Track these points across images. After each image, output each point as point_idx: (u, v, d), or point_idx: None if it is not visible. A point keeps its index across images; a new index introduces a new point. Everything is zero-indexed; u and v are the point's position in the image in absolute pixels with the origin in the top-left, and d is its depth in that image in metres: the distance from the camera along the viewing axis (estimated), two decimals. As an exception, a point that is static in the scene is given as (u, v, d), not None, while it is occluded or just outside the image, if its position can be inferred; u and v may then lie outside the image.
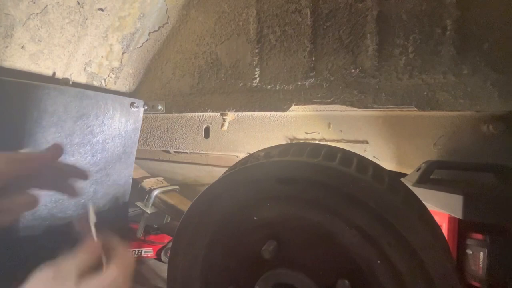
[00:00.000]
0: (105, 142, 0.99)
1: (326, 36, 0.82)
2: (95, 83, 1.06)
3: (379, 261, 0.43)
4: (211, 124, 1.11)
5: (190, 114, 1.12)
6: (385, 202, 0.42)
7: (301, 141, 0.96)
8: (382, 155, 0.84)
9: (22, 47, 0.84)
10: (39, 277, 0.37)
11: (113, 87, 1.11)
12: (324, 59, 0.83)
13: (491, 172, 0.67)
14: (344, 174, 0.45)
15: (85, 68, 0.99)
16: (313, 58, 0.84)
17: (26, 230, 0.85)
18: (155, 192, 1.19)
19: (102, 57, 1.01)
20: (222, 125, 1.02)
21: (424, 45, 0.71)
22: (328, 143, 0.84)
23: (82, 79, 1.01)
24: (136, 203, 1.20)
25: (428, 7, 0.70)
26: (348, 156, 0.51)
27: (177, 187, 1.29)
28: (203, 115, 1.11)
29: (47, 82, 0.87)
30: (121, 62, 1.07)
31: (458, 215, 0.55)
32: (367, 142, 0.86)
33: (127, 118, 1.05)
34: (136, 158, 1.11)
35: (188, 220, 0.56)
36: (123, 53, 1.05)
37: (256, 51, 0.92)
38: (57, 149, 0.45)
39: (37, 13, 0.81)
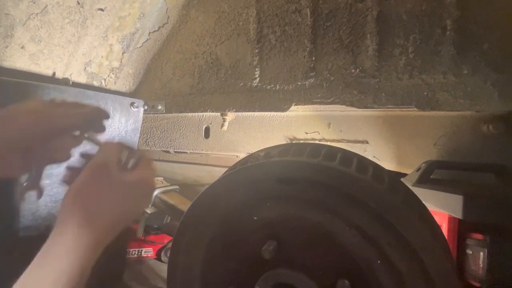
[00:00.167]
0: (105, 142, 0.99)
1: (326, 36, 0.82)
2: (95, 83, 1.06)
3: (379, 261, 0.43)
4: (211, 124, 1.10)
5: (190, 114, 1.12)
6: (385, 202, 0.42)
7: (301, 141, 0.96)
8: (382, 155, 0.84)
9: (22, 47, 0.84)
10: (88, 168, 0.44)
11: (113, 87, 1.11)
12: (324, 59, 0.83)
13: (491, 172, 0.67)
14: (344, 174, 0.45)
15: (85, 68, 0.99)
16: (313, 58, 0.84)
17: (26, 230, 0.85)
18: (155, 192, 1.19)
19: (102, 57, 1.01)
20: (222, 125, 1.02)
21: (424, 45, 0.71)
22: (328, 143, 0.84)
23: (82, 79, 1.01)
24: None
25: (428, 7, 0.70)
26: (348, 156, 0.51)
27: (177, 187, 1.29)
28: (203, 115, 1.11)
29: (47, 82, 0.87)
30: (121, 62, 1.07)
31: (458, 215, 0.55)
32: (367, 142, 0.86)
33: (127, 118, 1.05)
34: (136, 158, 1.11)
35: (188, 220, 0.56)
36: (123, 53, 1.05)
37: (256, 51, 0.92)
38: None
39: (37, 13, 0.81)
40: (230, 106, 0.98)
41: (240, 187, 0.52)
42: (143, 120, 1.11)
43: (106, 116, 0.55)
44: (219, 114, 1.03)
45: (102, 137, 0.56)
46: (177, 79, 1.09)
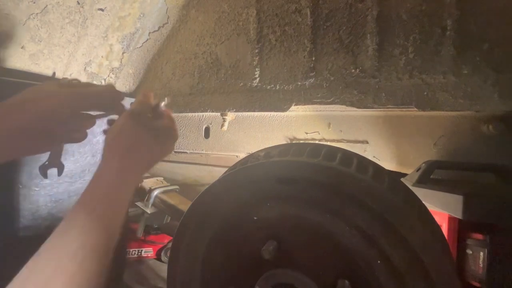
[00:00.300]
0: (105, 142, 0.99)
1: (326, 36, 0.82)
2: (95, 83, 1.06)
3: (379, 261, 0.43)
4: (211, 124, 1.10)
5: (190, 114, 1.12)
6: (385, 202, 0.42)
7: (301, 141, 0.96)
8: (382, 155, 0.84)
9: (22, 47, 0.84)
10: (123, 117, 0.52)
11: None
12: (324, 59, 0.83)
13: (491, 172, 0.67)
14: (344, 174, 0.45)
15: (85, 68, 0.99)
16: (313, 58, 0.84)
17: (26, 230, 0.85)
18: (155, 192, 1.19)
19: (102, 57, 1.01)
20: (222, 125, 1.02)
21: (424, 45, 0.71)
22: (328, 143, 0.84)
23: (82, 79, 1.01)
24: (136, 203, 1.20)
25: (428, 7, 0.70)
26: (348, 156, 0.51)
27: (177, 187, 1.29)
28: (203, 115, 1.11)
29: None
30: (121, 62, 1.07)
31: (458, 215, 0.55)
32: (367, 142, 0.86)
33: (127, 118, 1.05)
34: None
35: (188, 220, 0.56)
36: (123, 53, 1.05)
37: (256, 51, 0.92)
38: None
39: (37, 13, 0.81)
40: (230, 106, 0.98)
41: (240, 187, 0.52)
42: (143, 120, 1.11)
43: (119, 96, 0.58)
44: (219, 114, 1.03)
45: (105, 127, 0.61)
46: (177, 79, 1.09)
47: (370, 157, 0.75)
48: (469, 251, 0.58)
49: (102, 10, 0.90)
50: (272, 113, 0.99)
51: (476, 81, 0.67)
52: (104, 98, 0.56)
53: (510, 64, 0.64)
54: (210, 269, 0.56)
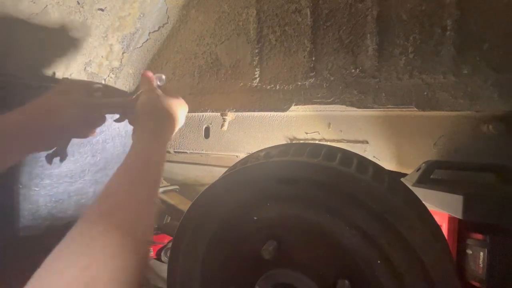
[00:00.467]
0: (105, 142, 1.00)
1: (326, 36, 0.82)
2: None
3: (379, 261, 0.43)
4: (211, 124, 1.10)
5: (190, 114, 1.12)
6: (385, 202, 0.42)
7: (301, 141, 0.96)
8: (382, 155, 0.84)
9: (22, 47, 0.84)
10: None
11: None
12: (324, 59, 0.83)
13: (491, 172, 0.67)
14: (344, 174, 0.45)
15: (85, 68, 0.99)
16: (313, 58, 0.84)
17: (26, 230, 0.85)
18: (155, 192, 1.19)
19: (102, 57, 1.01)
20: (222, 125, 1.02)
21: (424, 45, 0.71)
22: (328, 143, 0.84)
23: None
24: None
25: (428, 7, 0.70)
26: (348, 156, 0.51)
27: (177, 187, 1.29)
28: (203, 115, 1.11)
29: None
30: (121, 62, 1.07)
31: (458, 215, 0.55)
32: (367, 142, 0.86)
33: (127, 118, 1.05)
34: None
35: (188, 220, 0.56)
36: (123, 53, 1.05)
37: (256, 51, 0.92)
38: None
39: (37, 13, 0.81)
40: (230, 106, 0.98)
41: (240, 187, 0.52)
42: (143, 120, 1.11)
43: (125, 94, 0.70)
44: (219, 114, 1.03)
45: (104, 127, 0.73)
46: (177, 79, 1.08)
47: (370, 157, 0.75)
48: (469, 251, 0.58)
49: (102, 10, 0.90)
50: (272, 113, 0.99)
51: (476, 81, 0.67)
52: (123, 109, 0.66)
53: (510, 64, 0.64)
54: (210, 269, 0.56)
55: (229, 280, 0.54)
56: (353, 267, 0.45)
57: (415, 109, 0.72)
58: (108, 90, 0.69)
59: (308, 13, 0.83)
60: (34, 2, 0.79)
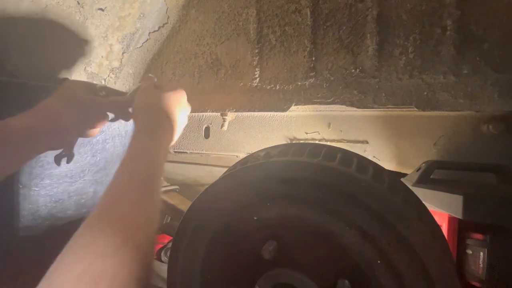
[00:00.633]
0: (105, 142, 0.99)
1: (326, 36, 0.82)
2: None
3: (379, 261, 0.43)
4: (211, 124, 1.10)
5: (190, 114, 1.11)
6: (385, 202, 0.42)
7: (301, 141, 0.96)
8: (382, 155, 0.84)
9: (22, 47, 0.84)
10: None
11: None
12: (324, 59, 0.83)
13: (491, 172, 0.67)
14: (344, 174, 0.45)
15: (85, 68, 0.99)
16: (313, 58, 0.84)
17: (26, 230, 0.84)
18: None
19: (102, 57, 1.01)
20: (222, 125, 1.01)
21: (424, 45, 0.71)
22: (328, 143, 0.84)
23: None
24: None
25: (428, 7, 0.70)
26: (348, 156, 0.51)
27: (177, 187, 1.29)
28: (203, 115, 1.11)
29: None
30: (121, 62, 1.07)
31: (458, 215, 0.55)
32: (367, 142, 0.86)
33: (127, 118, 1.05)
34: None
35: (188, 220, 0.56)
36: (123, 53, 1.05)
37: (256, 51, 0.92)
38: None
39: (37, 13, 0.81)
40: (230, 106, 0.98)
41: (240, 187, 0.52)
42: (143, 120, 1.11)
43: (122, 94, 0.73)
44: (219, 114, 1.03)
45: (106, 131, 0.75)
46: (177, 79, 1.08)
47: (370, 157, 0.75)
48: (469, 251, 0.58)
49: (102, 10, 0.90)
50: (272, 113, 0.98)
51: (476, 81, 0.67)
52: (125, 107, 0.68)
53: (510, 64, 0.64)
54: (210, 269, 0.56)
55: (229, 280, 0.54)
56: (353, 267, 0.45)
57: (415, 109, 0.72)
58: (108, 90, 0.72)
59: (308, 13, 0.83)
60: (34, 2, 0.79)
